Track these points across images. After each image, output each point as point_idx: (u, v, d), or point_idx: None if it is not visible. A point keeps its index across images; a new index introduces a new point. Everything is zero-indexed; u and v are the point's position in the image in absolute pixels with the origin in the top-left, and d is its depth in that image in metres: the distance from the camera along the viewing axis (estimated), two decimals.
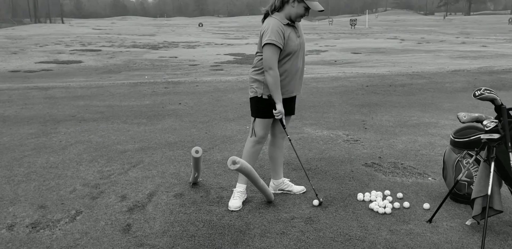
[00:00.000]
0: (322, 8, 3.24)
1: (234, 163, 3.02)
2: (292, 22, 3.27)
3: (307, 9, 3.22)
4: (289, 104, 3.50)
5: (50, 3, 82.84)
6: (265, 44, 3.17)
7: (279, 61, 3.25)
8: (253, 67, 3.40)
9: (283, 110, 3.33)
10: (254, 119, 3.44)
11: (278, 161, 3.70)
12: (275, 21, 3.19)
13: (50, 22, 72.67)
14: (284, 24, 3.21)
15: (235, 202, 3.45)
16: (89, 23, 71.55)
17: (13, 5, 79.51)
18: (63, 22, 74.03)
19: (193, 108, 7.31)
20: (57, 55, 18.86)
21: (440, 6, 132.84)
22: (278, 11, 3.25)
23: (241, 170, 3.11)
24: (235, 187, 3.62)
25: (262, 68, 3.27)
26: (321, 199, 3.51)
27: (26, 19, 74.20)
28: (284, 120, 3.41)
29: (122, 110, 7.20)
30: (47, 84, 10.20)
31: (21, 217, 3.32)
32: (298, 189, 3.76)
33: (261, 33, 3.25)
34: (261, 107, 3.37)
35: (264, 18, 3.33)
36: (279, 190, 3.74)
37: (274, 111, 3.32)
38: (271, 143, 3.70)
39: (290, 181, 3.82)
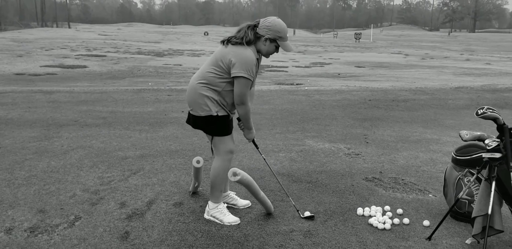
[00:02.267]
0: (293, 49, 3.27)
1: (234, 174, 3.02)
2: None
3: (277, 48, 3.23)
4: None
5: (57, 7, 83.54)
6: (240, 76, 3.08)
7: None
8: (203, 83, 3.21)
9: (252, 136, 3.44)
10: (213, 138, 3.31)
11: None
12: (252, 55, 3.13)
13: (57, 27, 73.17)
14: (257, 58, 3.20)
15: (229, 217, 3.38)
16: (95, 29, 72.01)
17: (21, 8, 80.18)
18: (69, 27, 74.51)
19: None
20: (62, 60, 18.95)
21: (445, 22, 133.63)
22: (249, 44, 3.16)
23: (241, 182, 3.10)
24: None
25: (216, 85, 3.17)
26: (302, 215, 3.49)
27: (33, 22, 74.71)
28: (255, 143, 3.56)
29: (124, 117, 7.21)
30: (51, 88, 10.24)
31: (20, 221, 3.31)
32: (243, 203, 3.68)
33: (232, 60, 3.10)
34: (217, 124, 3.27)
35: (226, 41, 3.20)
36: (224, 203, 3.63)
37: (245, 136, 3.43)
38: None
39: (235, 195, 3.75)
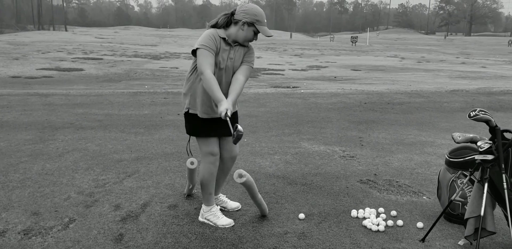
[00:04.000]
0: (272, 34, 3.21)
1: (240, 176, 3.02)
2: (233, 43, 3.17)
3: (255, 34, 3.16)
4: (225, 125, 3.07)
5: (54, 10, 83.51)
6: (196, 48, 3.02)
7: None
8: (185, 81, 3.29)
9: (225, 107, 2.88)
10: (189, 138, 3.26)
11: (219, 181, 3.57)
12: (210, 31, 3.10)
13: (54, 30, 73.10)
14: (221, 38, 3.11)
15: (223, 220, 3.38)
16: (92, 32, 71.97)
17: (17, 11, 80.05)
18: (66, 30, 74.45)
19: None
20: (58, 63, 18.94)
21: (441, 26, 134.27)
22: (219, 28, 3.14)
23: (245, 184, 3.11)
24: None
25: (189, 80, 3.17)
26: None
27: (30, 25, 74.57)
28: (230, 123, 2.91)
29: (120, 119, 7.21)
30: (47, 91, 10.22)
31: (14, 224, 3.31)
32: (233, 205, 3.67)
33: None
34: (189, 122, 3.26)
35: None
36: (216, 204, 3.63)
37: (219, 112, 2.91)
38: (218, 166, 3.44)
39: (226, 197, 3.74)
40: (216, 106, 3.03)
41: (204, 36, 3.07)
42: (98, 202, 3.74)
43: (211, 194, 3.42)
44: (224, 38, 3.13)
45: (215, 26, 3.16)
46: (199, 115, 3.20)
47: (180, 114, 7.76)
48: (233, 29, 3.14)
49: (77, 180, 4.26)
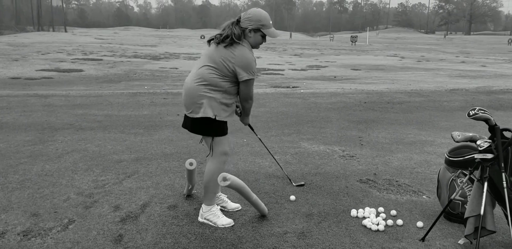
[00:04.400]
0: (279, 35, 3.29)
1: (224, 179, 3.02)
2: None
3: (263, 37, 3.25)
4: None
5: (54, 11, 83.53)
6: (249, 79, 3.17)
7: (238, 86, 3.28)
8: (204, 84, 3.20)
9: (248, 122, 3.68)
10: (213, 139, 3.32)
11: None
12: (251, 54, 3.20)
13: (53, 31, 73.10)
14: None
15: (223, 219, 3.38)
16: (92, 33, 71.99)
17: (17, 12, 79.98)
18: (66, 31, 74.44)
19: None
20: (58, 64, 18.94)
21: (441, 25, 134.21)
22: (240, 39, 3.19)
23: (232, 186, 3.10)
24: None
25: (218, 86, 3.18)
26: (295, 183, 4.09)
27: (29, 26, 74.54)
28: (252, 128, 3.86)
29: (119, 120, 7.21)
30: (47, 92, 10.23)
31: (13, 225, 3.30)
32: (233, 206, 3.67)
33: (236, 62, 3.13)
34: (216, 126, 3.28)
35: (217, 42, 3.23)
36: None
37: (242, 121, 3.66)
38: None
39: (226, 197, 3.74)
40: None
41: (253, 64, 3.19)
42: (97, 202, 3.74)
43: (215, 193, 3.43)
44: None
45: (238, 38, 3.18)
46: (228, 119, 3.33)
47: (180, 114, 7.76)
48: (247, 39, 3.23)
49: (77, 181, 4.26)
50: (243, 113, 3.57)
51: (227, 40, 3.17)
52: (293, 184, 4.11)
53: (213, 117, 3.21)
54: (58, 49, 27.52)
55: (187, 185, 3.80)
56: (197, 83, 3.21)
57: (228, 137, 3.40)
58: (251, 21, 3.17)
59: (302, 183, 4.23)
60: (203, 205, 3.46)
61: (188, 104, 3.28)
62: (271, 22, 3.24)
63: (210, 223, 3.38)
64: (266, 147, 4.27)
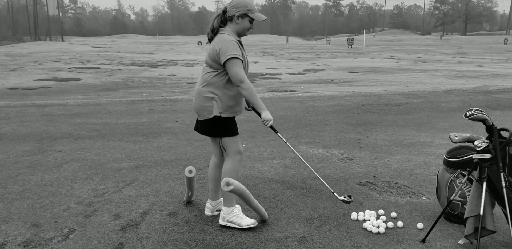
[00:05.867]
0: (265, 17, 3.32)
1: (227, 184, 3.02)
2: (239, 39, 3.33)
3: (251, 22, 3.30)
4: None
5: (50, 21, 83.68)
6: (229, 58, 3.14)
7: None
8: (204, 85, 3.29)
9: (270, 117, 3.32)
10: (220, 139, 3.35)
11: (220, 182, 3.56)
12: (229, 37, 3.22)
13: (50, 40, 73.22)
14: (238, 40, 3.27)
15: (246, 220, 3.39)
16: (88, 41, 72.15)
17: (14, 22, 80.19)
18: (63, 40, 74.58)
19: (189, 126, 7.33)
20: (56, 73, 18.97)
21: (436, 26, 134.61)
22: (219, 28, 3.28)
23: (234, 191, 3.11)
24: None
25: (216, 84, 3.25)
26: (344, 198, 3.52)
27: (26, 36, 74.71)
28: (274, 128, 3.47)
29: (118, 128, 7.22)
30: (45, 101, 10.23)
31: (13, 236, 3.30)
32: None
33: (216, 49, 3.19)
34: (224, 125, 3.30)
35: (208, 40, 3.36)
36: (216, 210, 3.65)
37: (261, 120, 3.30)
38: (216, 164, 3.59)
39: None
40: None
41: (230, 44, 3.17)
42: (97, 211, 3.74)
43: (233, 194, 3.38)
44: (239, 40, 3.29)
45: (214, 30, 3.28)
46: (235, 115, 3.33)
47: (179, 121, 7.77)
48: (232, 27, 3.28)
49: (76, 190, 4.26)
50: (253, 106, 3.36)
51: (212, 34, 3.29)
52: (338, 197, 3.55)
53: (218, 115, 3.26)
54: (56, 59, 27.56)
55: (187, 192, 3.80)
56: (201, 86, 3.31)
57: (238, 137, 3.41)
58: (237, 8, 3.22)
59: (348, 199, 3.53)
60: (223, 208, 3.44)
61: (196, 107, 3.36)
62: (255, 7, 3.30)
63: (234, 225, 3.37)
64: (296, 152, 3.76)
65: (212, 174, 3.60)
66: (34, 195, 4.14)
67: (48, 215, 3.66)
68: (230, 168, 3.40)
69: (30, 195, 4.14)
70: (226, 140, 3.35)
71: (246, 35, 3.36)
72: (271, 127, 3.38)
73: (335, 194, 3.59)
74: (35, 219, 3.59)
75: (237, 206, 3.50)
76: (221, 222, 3.43)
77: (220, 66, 3.22)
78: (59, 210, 3.77)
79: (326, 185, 3.67)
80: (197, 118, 3.44)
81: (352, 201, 3.52)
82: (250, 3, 3.25)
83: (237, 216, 3.39)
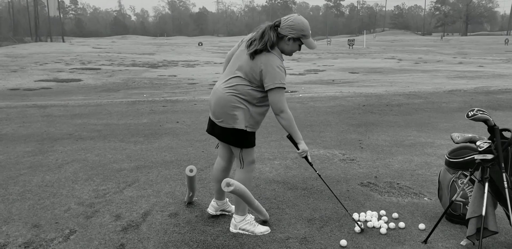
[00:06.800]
0: (316, 46, 3.18)
1: (228, 185, 3.02)
2: None
3: (300, 46, 3.15)
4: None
5: (51, 22, 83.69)
6: (276, 87, 3.01)
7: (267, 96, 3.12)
8: (235, 93, 3.11)
9: (307, 148, 3.25)
10: (241, 150, 3.27)
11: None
12: (279, 61, 3.06)
13: (51, 41, 73.25)
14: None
15: (259, 227, 3.36)
16: (89, 42, 72.21)
17: (14, 23, 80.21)
18: (64, 41, 74.58)
19: (190, 127, 7.32)
20: (56, 74, 18.97)
21: (437, 26, 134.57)
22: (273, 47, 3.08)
23: (235, 192, 3.10)
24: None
25: (248, 96, 3.10)
26: (360, 226, 3.39)
27: (27, 37, 74.72)
28: (309, 158, 3.32)
29: (119, 129, 7.21)
30: (46, 102, 10.24)
31: (14, 237, 3.29)
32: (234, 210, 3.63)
33: (262, 69, 3.02)
34: (248, 137, 3.23)
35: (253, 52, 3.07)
36: (220, 211, 3.64)
37: (297, 151, 3.23)
38: (224, 167, 3.55)
39: (229, 201, 3.73)
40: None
41: (281, 71, 3.03)
42: (98, 212, 3.73)
43: (245, 204, 3.34)
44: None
45: (272, 46, 3.06)
46: (254, 130, 3.25)
47: (180, 122, 7.76)
48: (281, 46, 3.12)
49: (77, 191, 4.25)
50: (291, 136, 3.23)
51: (261, 47, 3.03)
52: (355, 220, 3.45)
53: (245, 129, 3.16)
54: (56, 59, 27.58)
55: (188, 192, 3.79)
56: (229, 94, 3.12)
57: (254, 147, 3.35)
58: (293, 29, 3.03)
59: (360, 227, 3.38)
60: (235, 216, 3.39)
61: (219, 113, 3.17)
62: (310, 32, 3.13)
63: (247, 233, 3.33)
64: (326, 184, 3.60)
65: (218, 176, 3.54)
66: (35, 195, 4.13)
67: (49, 216, 3.66)
68: (244, 178, 3.32)
69: (31, 195, 4.14)
70: (246, 151, 3.28)
71: (290, 55, 3.23)
72: (305, 157, 3.29)
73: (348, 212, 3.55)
74: (36, 220, 3.59)
75: (250, 215, 3.46)
76: (232, 229, 3.38)
77: (259, 83, 3.07)
78: (60, 211, 3.76)
79: (340, 202, 3.60)
80: (212, 122, 3.29)
81: (363, 229, 3.38)
82: (307, 28, 3.07)
83: (250, 224, 3.36)
